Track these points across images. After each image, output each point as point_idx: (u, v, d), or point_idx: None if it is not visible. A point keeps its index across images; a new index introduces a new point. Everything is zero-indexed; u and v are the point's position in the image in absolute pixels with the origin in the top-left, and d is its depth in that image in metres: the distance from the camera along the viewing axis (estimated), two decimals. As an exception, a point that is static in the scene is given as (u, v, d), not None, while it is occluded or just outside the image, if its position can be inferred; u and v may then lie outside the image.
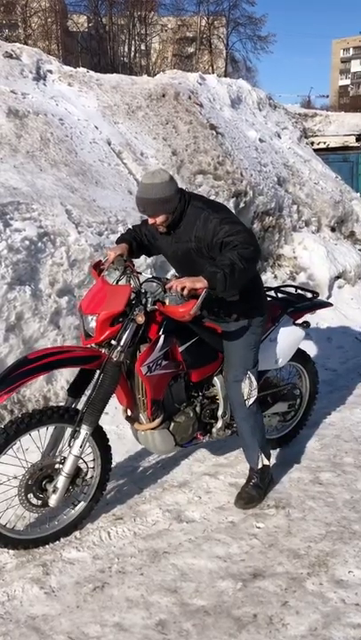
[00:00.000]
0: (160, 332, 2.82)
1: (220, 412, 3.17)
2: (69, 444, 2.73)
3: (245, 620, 2.34)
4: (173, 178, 2.88)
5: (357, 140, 11.75)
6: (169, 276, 2.80)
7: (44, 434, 2.77)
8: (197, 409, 3.09)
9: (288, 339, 3.36)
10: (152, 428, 2.91)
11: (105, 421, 3.55)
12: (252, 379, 3.07)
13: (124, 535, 2.85)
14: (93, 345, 2.76)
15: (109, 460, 2.93)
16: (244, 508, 3.09)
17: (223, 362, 3.15)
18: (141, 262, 4.54)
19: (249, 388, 3.05)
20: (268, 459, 3.21)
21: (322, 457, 3.62)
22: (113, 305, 2.69)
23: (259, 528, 2.91)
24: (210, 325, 3.08)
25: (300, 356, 3.65)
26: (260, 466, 3.16)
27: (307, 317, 3.56)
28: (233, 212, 3.10)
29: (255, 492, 3.14)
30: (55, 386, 3.85)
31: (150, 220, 2.89)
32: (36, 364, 2.63)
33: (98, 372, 2.77)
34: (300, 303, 3.56)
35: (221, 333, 3.09)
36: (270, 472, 3.26)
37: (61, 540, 2.80)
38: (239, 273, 2.65)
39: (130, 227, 3.40)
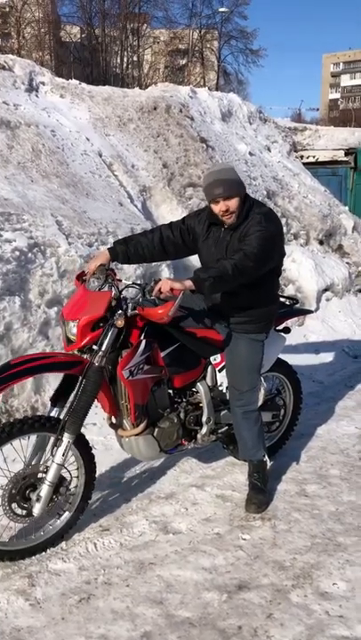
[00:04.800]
0: (141, 337, 2.85)
1: (204, 419, 3.18)
2: (52, 453, 2.73)
3: (230, 631, 2.35)
4: None
5: (346, 154, 11.87)
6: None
7: (27, 443, 2.77)
8: (181, 415, 3.11)
9: (270, 345, 3.39)
10: (136, 434, 2.92)
11: (93, 432, 3.57)
12: (262, 384, 3.24)
13: (111, 546, 2.85)
14: (75, 351, 2.79)
15: (93, 469, 2.92)
16: (257, 512, 3.13)
17: (205, 368, 3.19)
18: (131, 274, 4.58)
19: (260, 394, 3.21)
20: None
21: (308, 469, 3.64)
22: (93, 310, 2.72)
23: (244, 540, 2.93)
24: (191, 330, 3.09)
25: (282, 366, 3.69)
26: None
27: (287, 324, 3.62)
28: (283, 230, 3.14)
29: (262, 496, 3.20)
30: (43, 396, 3.85)
31: (222, 207, 2.88)
32: (19, 368, 2.66)
33: (80, 378, 2.79)
34: (279, 310, 3.59)
35: (223, 342, 3.15)
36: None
37: (47, 550, 2.79)
38: (226, 283, 2.78)
39: (136, 232, 3.29)
